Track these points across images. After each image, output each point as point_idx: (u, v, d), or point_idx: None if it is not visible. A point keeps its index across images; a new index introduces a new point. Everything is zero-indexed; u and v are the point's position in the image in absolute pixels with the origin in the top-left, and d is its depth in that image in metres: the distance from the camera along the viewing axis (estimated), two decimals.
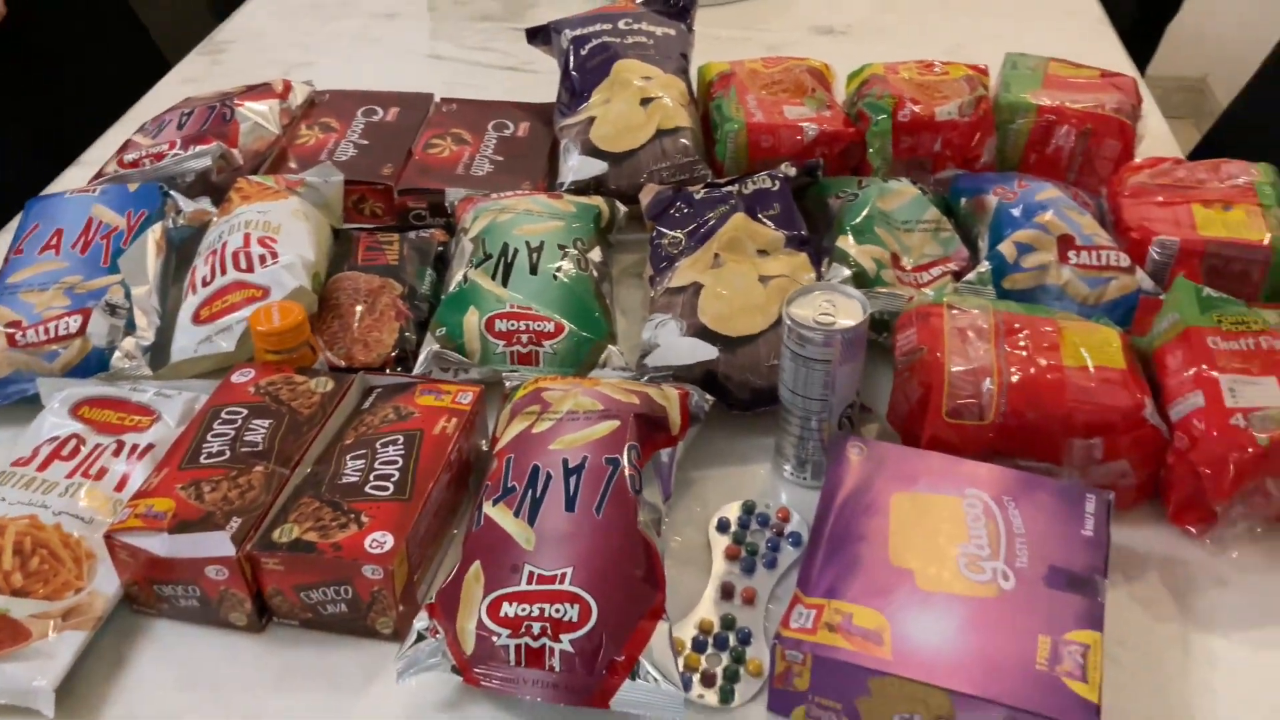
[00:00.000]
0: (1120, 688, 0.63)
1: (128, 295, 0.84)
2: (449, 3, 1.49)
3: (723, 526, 0.73)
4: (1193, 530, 0.71)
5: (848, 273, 0.83)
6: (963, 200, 0.93)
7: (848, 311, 0.70)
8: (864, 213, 0.88)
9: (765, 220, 0.86)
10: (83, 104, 1.35)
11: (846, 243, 0.86)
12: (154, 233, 0.89)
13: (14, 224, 0.94)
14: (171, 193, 0.93)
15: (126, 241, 0.88)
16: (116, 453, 0.74)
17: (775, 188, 0.89)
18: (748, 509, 0.73)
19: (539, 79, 1.23)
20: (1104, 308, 0.81)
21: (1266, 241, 0.83)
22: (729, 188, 0.90)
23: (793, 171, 0.92)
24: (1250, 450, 0.67)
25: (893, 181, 0.92)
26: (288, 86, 1.11)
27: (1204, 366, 0.71)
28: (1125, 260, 0.82)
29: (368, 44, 1.39)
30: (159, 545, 0.63)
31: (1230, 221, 0.85)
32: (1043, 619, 0.59)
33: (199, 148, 0.97)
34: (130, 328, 0.83)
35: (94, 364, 0.81)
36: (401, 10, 1.48)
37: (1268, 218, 0.85)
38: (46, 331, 0.81)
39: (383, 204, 1.01)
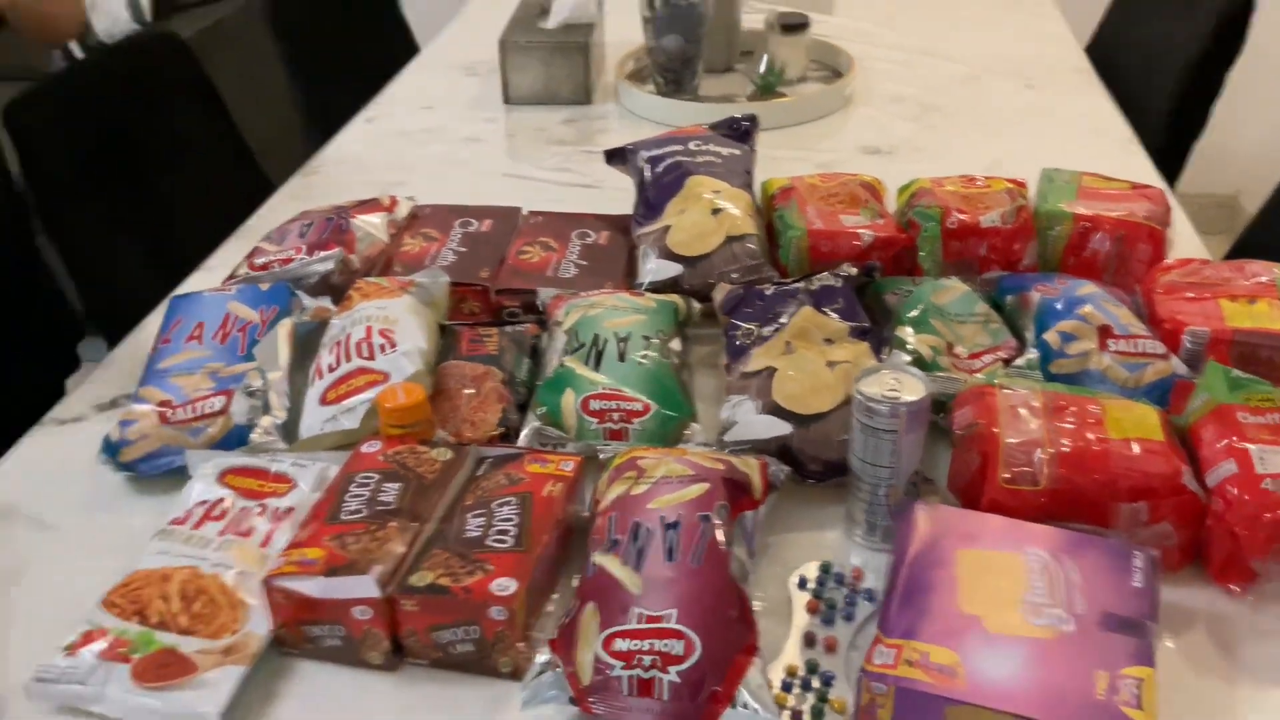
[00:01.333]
0: None
1: (264, 380, 0.95)
2: (527, 129, 1.64)
3: (802, 584, 0.80)
4: (1235, 588, 0.78)
5: (908, 358, 0.92)
6: (1008, 297, 1.03)
7: (911, 388, 0.79)
8: (920, 307, 0.97)
9: (830, 313, 0.96)
10: (191, 217, 1.49)
11: (905, 332, 0.95)
12: (284, 326, 1.00)
13: (156, 318, 1.06)
14: (298, 292, 1.04)
15: (261, 333, 0.99)
16: (260, 515, 0.83)
17: (839, 285, 0.99)
18: (824, 568, 0.81)
19: (608, 194, 1.35)
20: (1143, 390, 0.89)
21: None
22: (796, 285, 1.01)
23: (854, 271, 1.02)
24: None
25: (944, 279, 1.02)
26: (394, 201, 1.23)
27: (1235, 438, 0.78)
28: (1160, 348, 0.91)
29: (455, 165, 1.53)
30: (313, 587, 0.72)
31: (1255, 314, 0.94)
32: (1099, 657, 0.66)
33: (323, 253, 1.09)
34: (266, 408, 0.93)
35: (235, 440, 0.91)
36: (484, 136, 1.62)
37: None
38: (194, 410, 0.92)
39: (480, 303, 1.12)
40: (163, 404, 0.93)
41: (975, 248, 1.09)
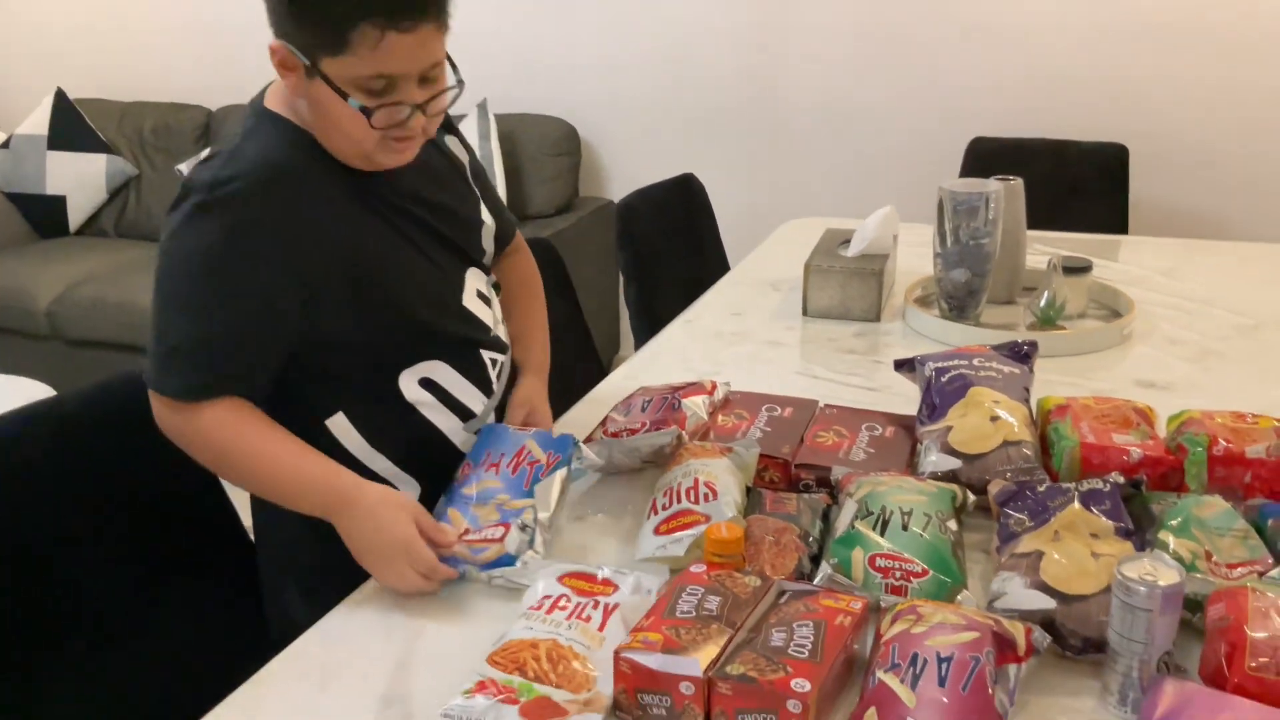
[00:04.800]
0: None
1: (535, 519, 1.19)
2: (821, 339, 1.87)
3: None
4: None
5: (1168, 556, 1.03)
6: (1270, 521, 1.12)
7: (1167, 576, 0.91)
8: (1182, 516, 1.09)
9: (1097, 512, 1.10)
10: None
11: (1167, 537, 1.07)
12: (561, 474, 1.25)
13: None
14: (580, 443, 1.29)
15: (544, 474, 1.24)
16: (595, 608, 1.04)
17: (1106, 490, 1.13)
18: None
19: (890, 398, 1.54)
20: None
21: None
22: (1067, 486, 1.15)
23: (1121, 480, 1.15)
24: None
25: (1207, 496, 1.13)
26: (714, 386, 1.48)
27: None
28: None
29: (759, 363, 1.78)
30: (653, 661, 0.92)
31: None
32: None
33: (665, 429, 1.33)
34: (531, 543, 1.17)
35: (503, 563, 1.15)
36: (784, 341, 1.87)
37: None
38: (481, 534, 1.18)
39: (780, 474, 1.32)
40: (463, 532, 1.19)
41: (1240, 475, 1.19)
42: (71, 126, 3.79)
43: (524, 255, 1.62)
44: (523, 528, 1.19)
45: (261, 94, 1.29)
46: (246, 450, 1.22)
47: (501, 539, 1.17)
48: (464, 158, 1.46)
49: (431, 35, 1.16)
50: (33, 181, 3.79)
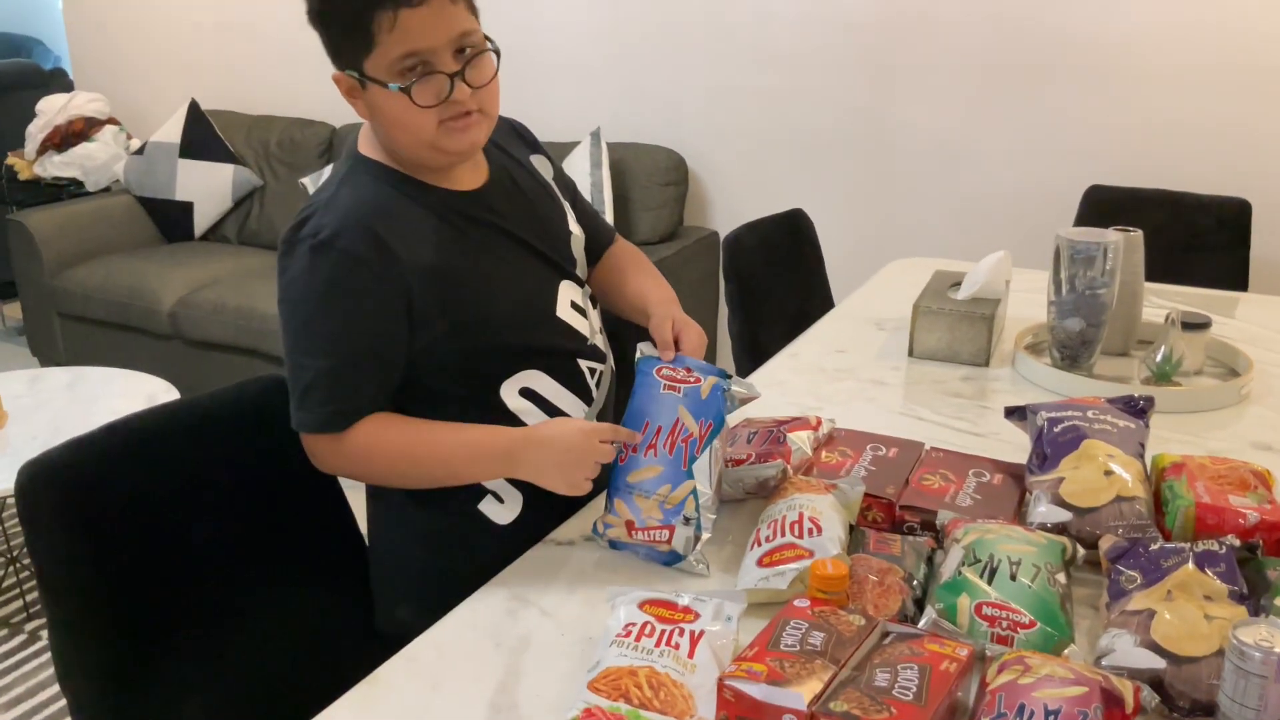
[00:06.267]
0: None
1: (697, 504, 1.23)
2: (927, 381, 1.87)
3: None
4: None
5: None
6: None
7: None
8: None
9: (1211, 574, 1.08)
10: None
11: None
12: (716, 446, 1.27)
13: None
14: (728, 386, 1.30)
15: (699, 449, 1.26)
16: (681, 635, 1.06)
17: (1221, 551, 1.11)
18: None
19: (996, 444, 1.53)
20: None
21: None
22: (1182, 545, 1.13)
23: (1237, 543, 1.13)
24: None
25: None
26: (819, 422, 1.49)
27: None
28: None
29: (864, 401, 1.78)
30: (757, 691, 0.93)
31: None
32: None
33: (769, 462, 1.35)
34: (699, 529, 1.22)
35: (671, 559, 1.21)
36: (889, 381, 1.87)
37: None
38: (648, 535, 1.24)
39: (883, 514, 1.33)
40: (629, 523, 1.25)
41: None
42: (203, 136, 3.98)
43: (626, 244, 1.67)
44: (686, 521, 1.24)
45: (355, 139, 1.38)
46: (408, 450, 1.31)
47: (669, 540, 1.24)
48: (549, 173, 1.52)
49: (445, 6, 1.22)
50: (163, 187, 3.99)
